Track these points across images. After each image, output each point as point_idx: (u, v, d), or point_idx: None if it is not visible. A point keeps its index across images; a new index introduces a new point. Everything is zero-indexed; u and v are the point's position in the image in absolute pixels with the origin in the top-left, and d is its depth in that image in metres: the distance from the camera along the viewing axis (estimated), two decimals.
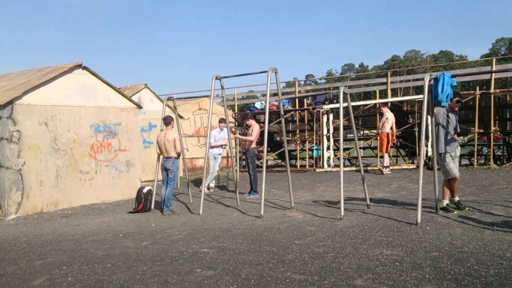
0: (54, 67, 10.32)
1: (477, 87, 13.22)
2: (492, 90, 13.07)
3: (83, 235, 6.51)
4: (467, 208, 6.80)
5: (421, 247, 4.82)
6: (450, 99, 6.22)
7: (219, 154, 11.52)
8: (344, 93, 7.16)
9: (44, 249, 5.63)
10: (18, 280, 4.39)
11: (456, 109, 6.66)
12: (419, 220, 5.97)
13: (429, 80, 6.21)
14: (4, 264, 5.00)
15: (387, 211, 7.14)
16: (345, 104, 7.49)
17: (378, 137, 13.07)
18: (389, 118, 12.59)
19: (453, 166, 6.65)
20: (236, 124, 16.97)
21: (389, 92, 15.85)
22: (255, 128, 10.15)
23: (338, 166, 15.82)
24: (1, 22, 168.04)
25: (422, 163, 6.23)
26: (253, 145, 10.06)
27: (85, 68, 10.07)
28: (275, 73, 8.03)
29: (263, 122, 18.06)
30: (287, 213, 7.65)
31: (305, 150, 17.40)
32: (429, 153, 11.88)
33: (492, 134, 13.17)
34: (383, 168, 12.80)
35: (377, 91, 16.64)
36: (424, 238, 5.23)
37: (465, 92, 14.37)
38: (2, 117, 8.51)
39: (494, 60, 14.39)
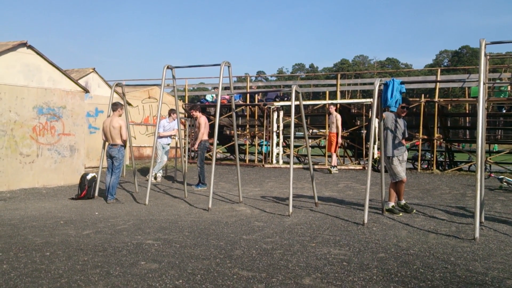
0: None
1: (422, 95, 13.91)
2: (436, 99, 13.83)
3: (22, 220, 6.19)
4: (414, 211, 7.12)
5: (368, 248, 4.99)
6: (398, 105, 6.50)
7: (168, 144, 11.35)
8: (296, 92, 7.28)
9: None
10: None
11: (403, 114, 6.96)
12: (365, 221, 6.18)
13: (379, 85, 6.46)
14: None
15: (335, 210, 7.37)
16: (297, 103, 7.62)
17: (327, 137, 13.55)
18: (338, 118, 13.00)
19: (400, 170, 6.92)
20: (186, 115, 16.76)
21: (339, 94, 16.31)
22: (202, 120, 10.11)
23: (286, 162, 16.11)
24: None
25: (370, 165, 6.46)
26: (205, 137, 10.01)
27: (30, 47, 9.54)
28: (228, 66, 8.02)
29: (214, 115, 18.12)
30: (235, 207, 7.68)
31: (254, 145, 17.53)
32: (376, 155, 12.39)
33: (435, 140, 13.93)
34: (331, 167, 13.21)
35: (327, 92, 17.07)
36: (371, 238, 5.43)
37: (410, 99, 15.08)
38: None
39: (439, 70, 15.21)
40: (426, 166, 15.62)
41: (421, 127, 13.71)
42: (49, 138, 9.88)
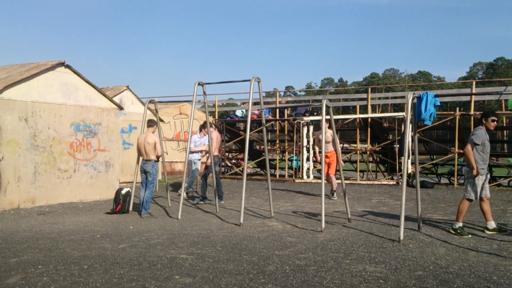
0: (37, 64, 10.13)
1: (457, 108, 13.58)
2: (472, 112, 13.47)
3: (60, 234, 6.37)
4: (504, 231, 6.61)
5: (405, 265, 4.85)
6: (433, 118, 6.35)
7: (199, 160, 11.47)
8: (327, 106, 7.26)
9: (20, 246, 5.47)
10: None
11: (492, 128, 6.50)
12: (401, 237, 6.01)
13: (412, 99, 6.36)
14: None
15: (368, 226, 7.22)
16: (328, 117, 7.59)
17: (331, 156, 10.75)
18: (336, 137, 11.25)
19: (477, 189, 6.43)
20: (217, 130, 16.95)
21: (369, 107, 16.13)
22: (214, 135, 10.14)
23: (317, 177, 15.98)
24: None
25: (405, 180, 6.32)
26: (215, 153, 10.12)
27: (67, 66, 9.93)
28: (258, 82, 8.10)
29: (244, 130, 18.24)
30: (267, 223, 7.66)
31: (284, 160, 17.49)
32: (409, 170, 12.12)
33: None
34: (332, 193, 10.91)
35: (358, 106, 16.91)
36: (408, 256, 5.28)
37: (444, 113, 14.76)
38: None
39: (474, 83, 14.84)
40: (463, 181, 15.12)
41: (456, 141, 13.36)
42: (85, 154, 10.18)
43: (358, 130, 15.29)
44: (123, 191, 8.62)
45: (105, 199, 10.11)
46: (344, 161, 20.03)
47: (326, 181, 10.10)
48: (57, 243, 5.74)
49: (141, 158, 8.60)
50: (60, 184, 9.55)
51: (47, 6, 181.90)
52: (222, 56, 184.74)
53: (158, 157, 8.50)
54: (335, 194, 10.75)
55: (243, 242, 6.00)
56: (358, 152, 15.60)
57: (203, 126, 11.45)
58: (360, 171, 16.26)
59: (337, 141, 9.98)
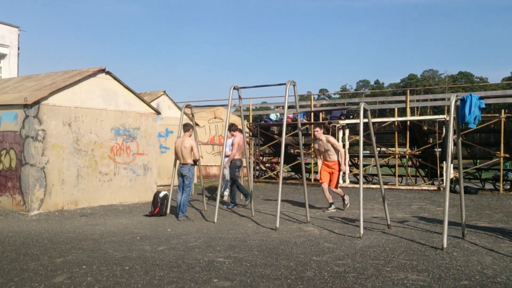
0: (79, 71, 10.49)
1: (502, 110, 13.03)
2: None
3: (102, 235, 6.55)
4: None
5: (449, 274, 4.68)
6: (477, 121, 6.12)
7: None
8: (365, 109, 7.13)
9: (65, 246, 5.67)
10: (40, 276, 4.43)
11: None
12: (445, 245, 5.80)
13: (456, 101, 6.15)
14: (27, 259, 5.05)
15: (409, 232, 7.02)
16: (365, 120, 7.46)
17: (321, 167, 9.61)
18: (335, 142, 9.60)
19: None
20: (250, 134, 17.02)
21: (408, 110, 15.75)
22: (236, 140, 10.06)
23: (353, 182, 15.73)
24: (32, 26, 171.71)
25: (448, 185, 6.11)
26: (237, 156, 10.11)
27: (108, 72, 10.23)
28: (294, 86, 8.08)
29: (278, 134, 18.22)
30: (303, 227, 7.60)
31: None
32: (452, 175, 11.69)
33: None
34: (329, 205, 9.57)
35: (396, 109, 16.54)
36: (452, 264, 5.09)
37: (488, 115, 14.19)
38: (29, 116, 8.67)
39: None
40: (509, 186, 14.52)
41: (501, 144, 12.81)
42: (125, 157, 10.45)
43: (396, 133, 14.94)
44: (161, 194, 8.78)
45: (143, 201, 10.33)
46: (382, 166, 19.67)
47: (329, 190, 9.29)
48: (99, 244, 5.91)
49: (178, 162, 8.73)
50: (101, 187, 9.84)
51: (88, 16, 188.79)
52: (255, 60, 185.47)
53: (195, 161, 8.62)
54: (332, 205, 9.47)
55: (280, 247, 5.98)
56: (397, 156, 15.24)
57: (232, 126, 11.54)
58: (399, 176, 15.87)
59: (341, 149, 9.30)
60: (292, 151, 18.37)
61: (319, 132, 9.50)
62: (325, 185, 9.37)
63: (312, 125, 10.35)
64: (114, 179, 10.14)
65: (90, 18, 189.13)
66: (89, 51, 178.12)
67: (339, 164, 9.30)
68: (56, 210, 8.73)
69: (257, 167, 17.55)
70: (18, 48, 24.01)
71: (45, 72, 12.09)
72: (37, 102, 8.76)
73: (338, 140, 15.11)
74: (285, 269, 4.86)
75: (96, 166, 9.80)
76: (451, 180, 11.66)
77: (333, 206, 9.48)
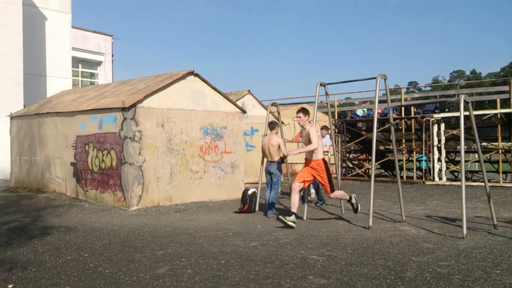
0: (170, 74, 11.00)
1: None
2: None
3: (196, 230, 6.79)
4: None
5: None
6: None
7: None
8: (465, 102, 6.58)
9: (164, 240, 5.95)
10: (144, 267, 4.69)
11: None
12: None
13: None
14: (132, 251, 5.38)
15: None
16: (466, 113, 6.89)
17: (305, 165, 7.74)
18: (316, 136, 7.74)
19: None
20: (336, 131, 16.66)
21: None
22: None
23: (450, 179, 14.73)
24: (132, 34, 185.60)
25: None
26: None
27: (196, 75, 10.60)
28: (384, 79, 7.73)
29: (365, 130, 17.62)
30: (398, 227, 7.26)
31: (412, 160, 16.46)
32: None
33: None
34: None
35: (498, 100, 15.16)
36: None
37: None
38: (127, 118, 9.28)
39: None
40: None
41: None
42: (213, 156, 10.77)
43: (499, 126, 13.69)
44: (250, 192, 8.90)
45: (232, 199, 10.56)
46: (483, 162, 18.22)
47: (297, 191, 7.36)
48: (195, 239, 6.13)
49: (265, 160, 8.80)
50: (193, 184, 10.23)
51: (173, 21, 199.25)
52: (339, 55, 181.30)
53: (282, 158, 8.62)
54: (293, 216, 7.17)
55: (375, 246, 5.75)
56: (500, 151, 13.96)
57: (323, 127, 11.39)
58: (503, 172, 14.53)
59: (313, 146, 7.17)
60: (381, 148, 17.67)
61: (302, 120, 7.48)
62: (295, 185, 7.29)
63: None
64: (204, 177, 10.49)
65: (176, 23, 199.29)
66: (178, 55, 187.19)
67: (325, 164, 7.34)
68: (152, 206, 9.23)
69: (344, 165, 17.13)
70: (112, 55, 25.99)
71: (137, 76, 12.89)
72: (134, 105, 9.33)
73: (432, 135, 14.20)
74: (383, 269, 4.66)
75: (188, 164, 10.21)
76: None
77: (293, 218, 7.06)
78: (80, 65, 24.56)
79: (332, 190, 7.40)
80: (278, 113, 10.52)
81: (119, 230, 6.75)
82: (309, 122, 7.69)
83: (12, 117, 13.35)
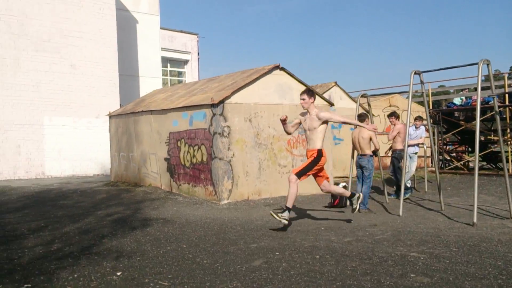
0: (256, 69, 11.09)
1: None
2: None
3: (288, 224, 6.74)
4: None
5: None
6: None
7: (415, 153, 10.72)
8: None
9: (256, 233, 5.99)
10: (240, 259, 4.76)
11: None
12: None
13: None
14: (226, 243, 5.50)
15: None
16: None
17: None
18: (324, 116, 6.64)
19: None
20: (432, 121, 15.66)
21: None
22: (399, 126, 9.42)
23: None
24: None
25: None
26: (400, 146, 9.41)
27: (282, 68, 10.56)
28: (487, 64, 7.09)
29: (464, 120, 16.32)
30: (507, 223, 6.64)
31: None
32: None
33: None
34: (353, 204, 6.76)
35: None
36: None
37: None
38: (216, 114, 9.54)
39: None
40: None
41: None
42: (301, 150, 10.67)
43: None
44: (340, 186, 8.68)
45: (321, 193, 10.35)
46: None
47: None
48: (287, 233, 6.09)
49: (355, 153, 8.54)
50: (281, 179, 10.23)
51: (256, 15, 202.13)
52: (433, 40, 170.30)
53: (374, 151, 8.32)
54: (286, 213, 6.21)
55: (481, 244, 5.29)
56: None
57: (417, 118, 10.83)
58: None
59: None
60: (482, 138, 16.29)
61: (306, 102, 6.44)
62: (292, 177, 6.34)
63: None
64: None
65: (258, 17, 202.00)
66: (261, 49, 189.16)
67: (319, 155, 6.29)
68: (242, 200, 9.39)
69: (440, 157, 16.05)
70: (198, 53, 26.99)
71: (222, 73, 13.23)
72: (222, 101, 9.54)
73: None
74: (492, 268, 4.28)
75: (275, 158, 10.24)
76: None
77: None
78: (168, 64, 25.86)
79: (299, 176, 6.28)
80: (369, 105, 10.15)
81: (212, 223, 6.94)
82: (315, 105, 6.63)
83: (110, 116, 14.37)
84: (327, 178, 6.60)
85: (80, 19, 16.94)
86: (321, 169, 6.47)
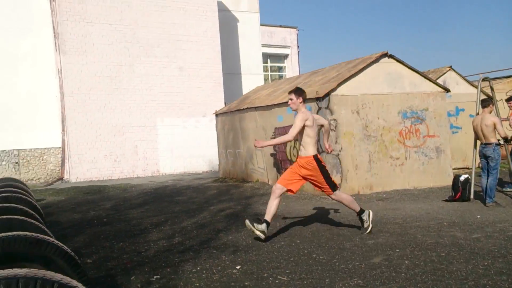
0: (362, 59, 10.67)
1: None
2: None
3: (405, 219, 6.37)
4: None
5: None
6: None
7: None
8: None
9: (373, 229, 5.69)
10: (357, 255, 4.59)
11: None
12: None
13: None
14: (341, 239, 5.35)
15: None
16: None
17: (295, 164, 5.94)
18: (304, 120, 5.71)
19: None
20: None
21: None
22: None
23: None
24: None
25: None
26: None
27: (390, 56, 10.01)
28: None
29: None
30: None
31: None
32: None
33: None
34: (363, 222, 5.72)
35: None
36: None
37: None
38: (321, 107, 9.38)
39: None
40: None
41: None
42: (414, 140, 10.04)
43: None
44: (462, 178, 7.97)
45: (438, 186, 9.66)
46: None
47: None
48: (405, 229, 5.73)
49: (478, 142, 7.80)
50: (393, 172, 9.73)
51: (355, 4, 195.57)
52: None
53: (504, 138, 7.52)
54: (263, 226, 5.37)
55: None
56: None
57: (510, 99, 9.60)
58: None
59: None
60: None
61: (294, 103, 5.65)
62: (276, 188, 5.63)
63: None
64: (406, 163, 9.86)
65: (359, 2, 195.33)
66: (365, 37, 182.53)
67: (318, 161, 5.48)
68: (352, 194, 9.04)
69: None
70: (298, 47, 26.86)
71: (323, 65, 12.97)
72: (327, 94, 9.34)
73: None
74: None
75: (386, 151, 9.75)
76: None
77: (263, 227, 5.33)
78: (268, 60, 26.17)
79: (334, 189, 5.64)
80: (492, 89, 9.17)
81: (324, 219, 6.83)
82: (304, 105, 5.78)
83: (216, 115, 14.95)
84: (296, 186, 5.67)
85: (186, 23, 17.93)
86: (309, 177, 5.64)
